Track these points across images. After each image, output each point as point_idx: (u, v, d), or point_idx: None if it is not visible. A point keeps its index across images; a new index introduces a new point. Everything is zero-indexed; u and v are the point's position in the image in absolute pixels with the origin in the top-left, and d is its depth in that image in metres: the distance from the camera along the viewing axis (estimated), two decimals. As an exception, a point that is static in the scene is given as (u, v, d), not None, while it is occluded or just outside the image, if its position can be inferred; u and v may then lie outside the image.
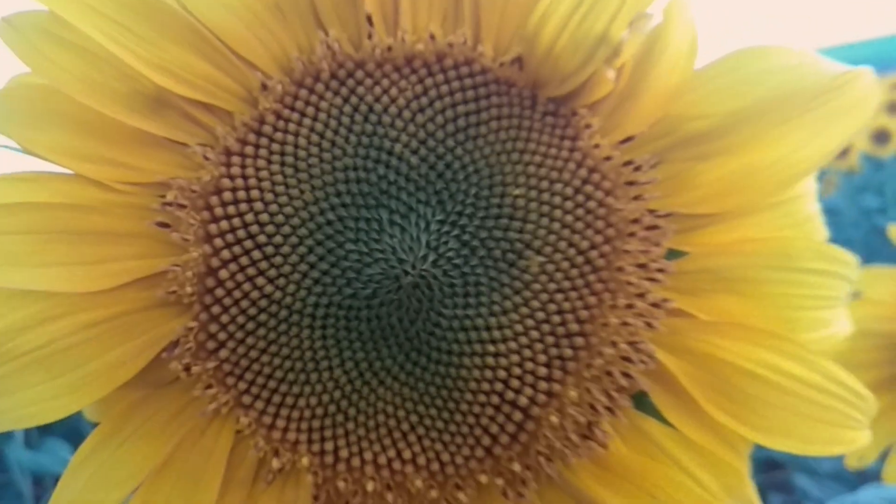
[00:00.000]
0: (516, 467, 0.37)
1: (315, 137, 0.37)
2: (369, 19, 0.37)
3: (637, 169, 0.37)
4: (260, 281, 0.36)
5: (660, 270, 0.37)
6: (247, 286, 0.37)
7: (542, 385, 0.36)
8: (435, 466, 0.37)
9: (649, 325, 0.37)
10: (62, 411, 0.36)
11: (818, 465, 2.44)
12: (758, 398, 0.37)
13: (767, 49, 0.36)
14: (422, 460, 0.37)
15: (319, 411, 0.38)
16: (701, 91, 0.36)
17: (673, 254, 0.38)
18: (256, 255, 0.36)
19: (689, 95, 0.36)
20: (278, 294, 0.36)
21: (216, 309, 0.37)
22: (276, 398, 0.38)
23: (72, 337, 0.37)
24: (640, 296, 0.37)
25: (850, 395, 0.37)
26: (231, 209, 0.37)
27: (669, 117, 0.37)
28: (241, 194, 0.37)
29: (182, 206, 0.37)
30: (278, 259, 0.36)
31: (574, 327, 0.36)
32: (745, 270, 0.37)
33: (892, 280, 0.92)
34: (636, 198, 0.37)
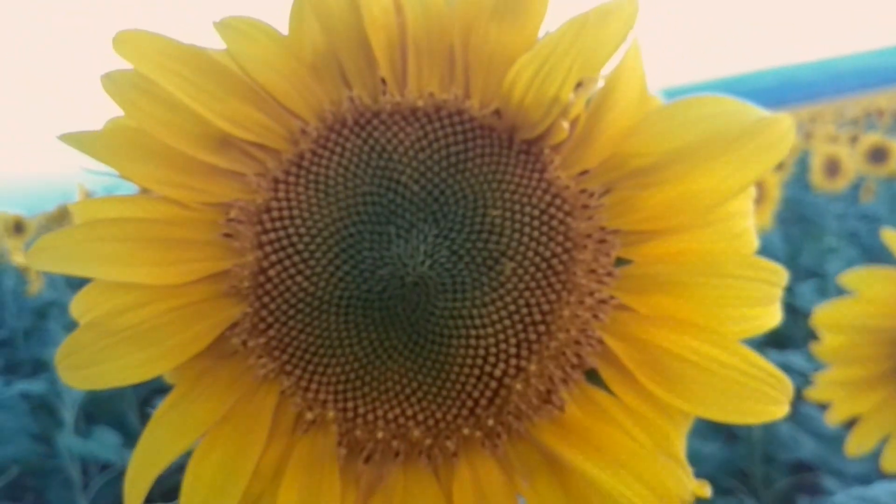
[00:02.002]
0: (491, 423, 0.42)
1: (341, 170, 0.42)
2: (383, 81, 0.43)
3: (591, 196, 0.41)
4: (298, 278, 0.42)
5: (608, 275, 0.42)
6: (289, 282, 0.42)
7: (513, 361, 0.41)
8: (430, 422, 0.42)
9: (596, 317, 0.41)
10: (147, 375, 0.42)
11: (846, 468, 2.43)
12: (686, 376, 0.40)
13: (701, 99, 0.39)
14: (420, 417, 0.42)
15: (343, 378, 0.42)
16: (644, 134, 0.40)
17: (621, 261, 0.42)
18: (296, 259, 0.42)
19: (635, 137, 0.40)
20: (312, 288, 0.42)
21: (266, 299, 0.43)
22: (311, 367, 0.43)
23: (157, 319, 0.42)
24: (591, 294, 0.41)
25: (765, 376, 0.40)
26: (278, 224, 0.42)
27: (618, 154, 0.41)
28: (286, 213, 0.42)
29: (241, 222, 0.43)
30: (312, 262, 0.42)
31: (538, 318, 0.41)
32: (680, 275, 0.41)
33: (889, 280, 0.92)
34: (589, 218, 0.41)
